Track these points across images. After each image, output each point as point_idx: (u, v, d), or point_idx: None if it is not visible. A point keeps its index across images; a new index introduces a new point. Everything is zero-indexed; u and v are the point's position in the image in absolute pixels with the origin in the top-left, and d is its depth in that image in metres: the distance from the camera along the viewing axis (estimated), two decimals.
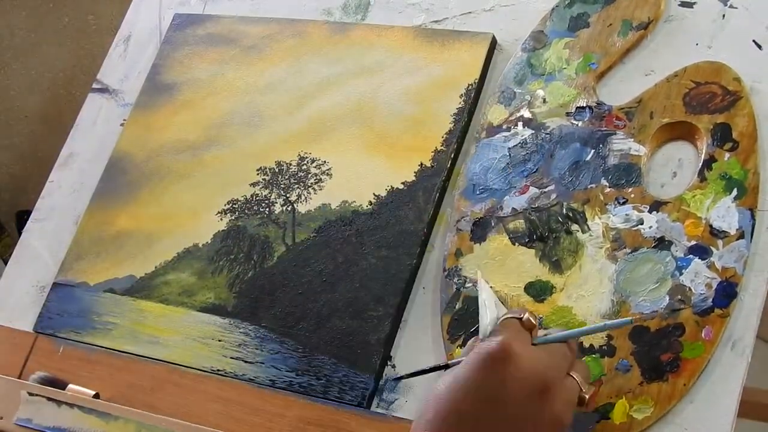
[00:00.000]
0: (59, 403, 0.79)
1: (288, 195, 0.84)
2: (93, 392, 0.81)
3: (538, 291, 0.72)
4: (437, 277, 0.77)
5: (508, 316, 0.62)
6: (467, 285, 0.74)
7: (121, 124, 0.95)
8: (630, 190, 0.73)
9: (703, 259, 0.68)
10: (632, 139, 0.74)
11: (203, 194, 0.87)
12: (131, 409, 0.78)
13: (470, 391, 0.58)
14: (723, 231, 0.68)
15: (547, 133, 0.77)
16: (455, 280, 0.75)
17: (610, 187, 0.73)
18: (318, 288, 0.79)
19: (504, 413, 0.57)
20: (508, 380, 0.57)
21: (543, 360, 0.59)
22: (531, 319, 0.61)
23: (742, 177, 0.70)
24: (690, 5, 0.78)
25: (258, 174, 0.86)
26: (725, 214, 0.69)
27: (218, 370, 0.79)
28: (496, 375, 0.58)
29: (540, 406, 0.58)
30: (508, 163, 0.77)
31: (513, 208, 0.76)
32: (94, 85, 0.99)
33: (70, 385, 0.81)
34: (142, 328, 0.83)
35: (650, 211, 0.71)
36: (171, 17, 0.99)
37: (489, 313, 0.63)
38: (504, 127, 0.79)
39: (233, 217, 0.85)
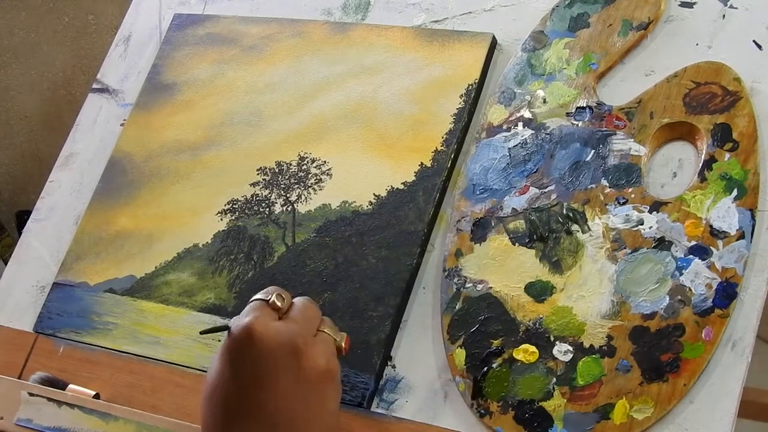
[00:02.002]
0: (59, 403, 0.79)
1: (288, 195, 0.84)
2: (93, 392, 0.81)
3: (538, 291, 0.72)
4: (437, 277, 0.77)
5: (256, 298, 0.64)
6: (467, 285, 0.74)
7: (121, 124, 0.95)
8: (630, 190, 0.73)
9: (703, 260, 0.68)
10: (632, 140, 0.74)
11: (203, 194, 0.87)
12: (131, 410, 0.78)
13: (227, 381, 0.60)
14: (723, 231, 0.68)
15: (547, 134, 0.77)
16: (455, 280, 0.75)
17: (610, 188, 0.73)
18: (318, 288, 0.79)
19: (268, 389, 0.59)
20: (259, 358, 0.60)
21: (288, 329, 0.61)
22: (276, 301, 0.63)
23: (742, 177, 0.70)
24: (690, 5, 0.78)
25: (258, 174, 0.86)
26: (725, 214, 0.69)
27: None
28: (244, 358, 0.60)
29: (297, 368, 0.60)
30: (508, 164, 0.77)
31: (513, 209, 0.76)
32: (94, 85, 0.99)
33: (70, 386, 0.81)
34: (143, 328, 0.83)
35: (650, 212, 0.71)
36: (171, 17, 0.99)
37: None
38: (504, 127, 0.79)
39: (233, 217, 0.85)
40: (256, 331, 0.60)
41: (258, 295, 0.64)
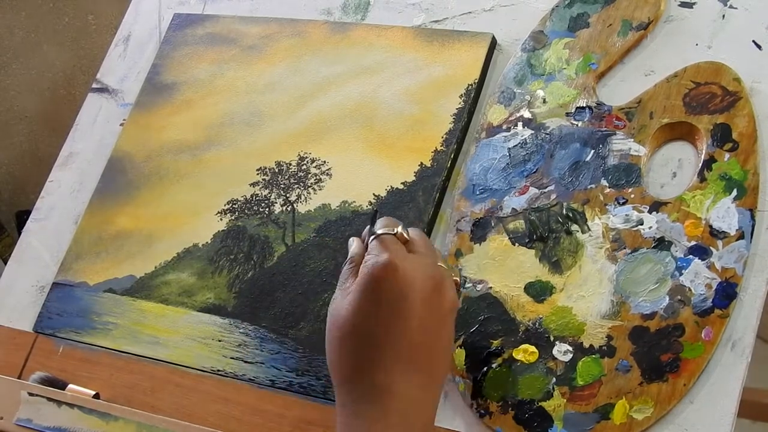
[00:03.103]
0: (59, 403, 0.79)
1: (288, 195, 0.84)
2: (93, 392, 0.81)
3: (538, 291, 0.72)
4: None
5: (381, 232, 0.64)
6: (467, 285, 0.74)
7: (121, 124, 0.95)
8: (630, 190, 0.73)
9: (702, 260, 0.68)
10: (632, 140, 0.74)
11: (203, 194, 0.87)
12: (131, 410, 0.78)
13: (367, 316, 0.61)
14: (723, 231, 0.68)
15: (547, 134, 0.77)
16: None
17: (610, 188, 0.73)
18: (318, 288, 0.79)
19: (409, 322, 0.60)
20: (402, 293, 0.60)
21: (426, 263, 0.62)
22: (404, 233, 0.64)
23: (741, 177, 0.70)
24: (690, 5, 0.78)
25: (258, 174, 0.86)
26: (725, 214, 0.69)
27: (218, 371, 0.79)
28: (386, 294, 0.60)
29: (437, 302, 0.62)
30: (508, 164, 0.77)
31: (513, 209, 0.76)
32: (94, 85, 0.99)
33: (70, 385, 0.81)
34: (142, 328, 0.83)
35: (650, 212, 0.71)
36: (170, 17, 0.99)
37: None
38: (504, 127, 0.79)
39: (233, 217, 0.85)
40: (399, 266, 0.61)
41: (381, 230, 0.64)
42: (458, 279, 0.65)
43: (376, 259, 0.61)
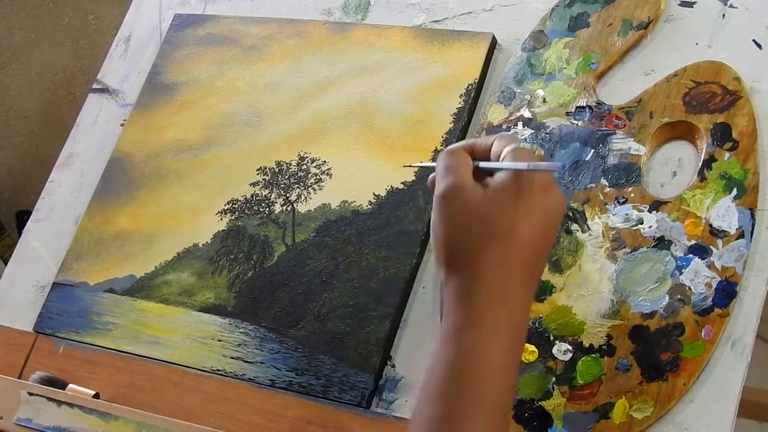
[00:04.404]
0: (59, 403, 0.79)
1: (288, 195, 0.84)
2: (93, 392, 0.81)
3: (538, 291, 0.72)
4: (437, 277, 0.77)
5: (455, 147, 0.63)
6: None
7: (121, 125, 0.95)
8: (630, 189, 0.73)
9: (702, 259, 0.68)
10: (632, 139, 0.74)
11: (203, 194, 0.87)
12: (131, 409, 0.78)
13: (448, 228, 0.61)
14: (723, 230, 0.68)
15: (547, 133, 0.77)
16: None
17: (609, 187, 0.73)
18: (318, 288, 0.79)
19: (528, 218, 0.60)
20: (469, 203, 0.60)
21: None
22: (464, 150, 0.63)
23: (741, 176, 0.70)
24: (690, 5, 0.78)
25: (258, 174, 0.86)
26: (725, 213, 0.69)
27: (218, 370, 0.79)
28: (455, 207, 0.60)
29: (552, 205, 0.61)
30: None
31: None
32: (94, 86, 0.99)
33: (70, 385, 0.81)
34: (142, 328, 0.83)
35: (650, 211, 0.71)
36: (171, 17, 0.99)
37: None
38: (504, 126, 0.79)
39: (233, 217, 0.85)
40: (457, 185, 0.61)
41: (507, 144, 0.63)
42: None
43: (532, 161, 0.61)
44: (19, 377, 0.85)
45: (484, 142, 0.63)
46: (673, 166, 0.73)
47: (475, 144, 0.64)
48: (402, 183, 0.80)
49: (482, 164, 0.63)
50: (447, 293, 0.61)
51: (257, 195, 0.85)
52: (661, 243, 0.70)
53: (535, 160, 0.61)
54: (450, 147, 0.63)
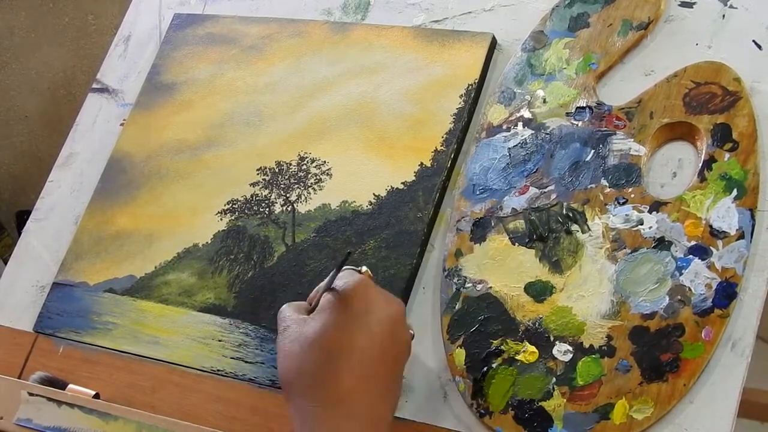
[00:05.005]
0: (59, 403, 0.79)
1: (288, 195, 0.84)
2: (93, 392, 0.81)
3: (538, 291, 0.72)
4: (437, 277, 0.77)
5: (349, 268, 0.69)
6: (467, 285, 0.74)
7: (121, 124, 0.95)
8: (630, 190, 0.73)
9: (702, 260, 0.68)
10: (632, 139, 0.74)
11: (203, 194, 0.87)
12: (131, 409, 0.78)
13: (340, 325, 0.65)
14: (723, 231, 0.68)
15: (547, 133, 0.77)
16: (455, 280, 0.75)
17: (610, 187, 0.73)
18: None
19: (374, 334, 0.65)
20: (370, 307, 0.66)
21: (387, 295, 0.68)
22: (369, 272, 0.69)
23: (741, 177, 0.70)
24: (690, 5, 0.78)
25: (258, 174, 0.86)
26: (725, 214, 0.69)
27: (218, 370, 0.79)
28: (359, 304, 0.66)
29: (399, 328, 0.67)
30: (508, 163, 0.77)
31: (513, 208, 0.76)
32: (94, 85, 0.99)
33: (70, 385, 0.81)
34: (142, 328, 0.83)
35: (650, 212, 0.71)
36: (171, 17, 0.99)
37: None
38: (504, 127, 0.79)
39: (233, 217, 0.85)
40: (370, 285, 0.67)
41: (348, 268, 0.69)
42: (413, 332, 0.70)
43: (347, 279, 0.66)
44: (19, 377, 0.85)
45: (316, 291, 0.69)
46: (673, 167, 0.73)
47: (311, 296, 0.69)
48: (402, 183, 0.80)
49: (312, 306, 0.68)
50: (290, 415, 0.65)
51: (257, 195, 0.85)
52: (661, 244, 0.70)
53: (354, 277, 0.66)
54: (287, 304, 0.69)
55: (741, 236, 0.68)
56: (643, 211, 0.71)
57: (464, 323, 0.73)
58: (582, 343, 0.69)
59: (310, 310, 0.67)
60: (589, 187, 0.74)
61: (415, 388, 0.73)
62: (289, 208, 0.84)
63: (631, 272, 0.70)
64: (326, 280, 0.67)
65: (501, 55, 0.84)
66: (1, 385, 0.83)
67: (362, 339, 0.64)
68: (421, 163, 0.80)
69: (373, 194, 0.81)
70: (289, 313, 0.68)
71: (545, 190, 0.75)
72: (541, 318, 0.71)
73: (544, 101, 0.79)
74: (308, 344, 0.64)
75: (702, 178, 0.71)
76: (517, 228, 0.75)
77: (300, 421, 0.64)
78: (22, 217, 1.96)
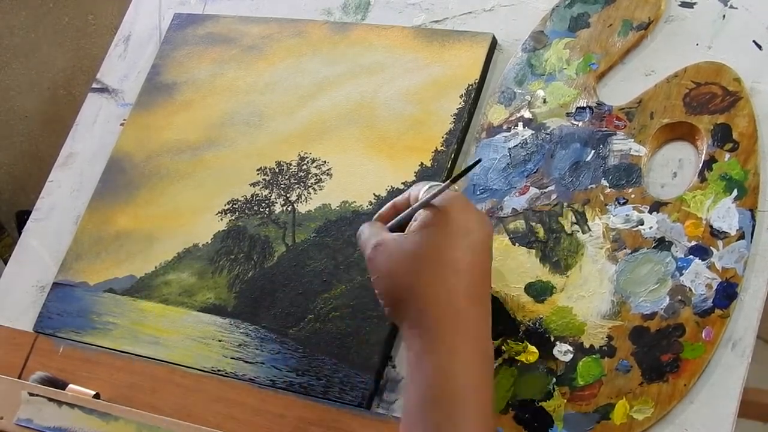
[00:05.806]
0: (59, 403, 0.79)
1: (288, 195, 0.84)
2: (93, 392, 0.81)
3: (538, 291, 0.72)
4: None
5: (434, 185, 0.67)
6: None
7: (121, 124, 0.95)
8: (630, 190, 0.73)
9: (703, 260, 0.68)
10: (632, 140, 0.74)
11: (203, 194, 0.87)
12: (131, 410, 0.78)
13: (381, 280, 0.66)
14: (723, 231, 0.68)
15: (548, 134, 0.77)
16: None
17: (610, 188, 0.73)
18: (318, 288, 0.79)
19: (477, 254, 0.64)
20: (469, 227, 0.65)
21: (478, 211, 0.67)
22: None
23: (742, 177, 0.70)
24: (690, 5, 0.78)
25: (258, 174, 0.86)
26: (725, 214, 0.69)
27: (218, 371, 0.79)
28: (461, 222, 0.64)
29: (488, 246, 0.66)
30: (508, 164, 0.77)
31: (513, 209, 0.76)
32: (94, 85, 0.99)
33: (70, 385, 0.81)
34: (143, 328, 0.83)
35: (650, 212, 0.71)
36: (171, 17, 0.99)
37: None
38: (504, 127, 0.79)
39: (233, 217, 0.85)
40: (468, 202, 0.66)
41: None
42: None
43: (445, 196, 0.64)
44: (19, 377, 0.85)
45: (403, 197, 0.69)
46: (673, 167, 0.73)
47: (396, 202, 0.69)
48: (402, 183, 0.80)
49: (390, 223, 0.68)
50: (404, 333, 0.64)
51: (257, 195, 0.85)
52: (662, 244, 0.70)
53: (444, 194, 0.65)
54: (365, 223, 0.69)
55: (741, 236, 0.68)
56: (644, 212, 0.71)
57: None
58: (582, 343, 0.69)
59: (393, 228, 0.66)
60: (589, 187, 0.74)
61: None
62: (289, 208, 0.84)
63: (632, 272, 0.70)
64: (427, 197, 0.65)
65: (501, 55, 0.84)
66: (1, 385, 0.83)
67: (467, 257, 0.63)
68: (422, 163, 0.80)
69: (374, 194, 0.81)
70: (376, 230, 0.66)
71: (545, 190, 0.75)
72: (541, 318, 0.71)
73: (545, 101, 0.79)
74: (418, 260, 0.63)
75: (702, 178, 0.71)
76: (518, 228, 0.75)
77: (411, 339, 0.63)
78: (22, 217, 1.96)
